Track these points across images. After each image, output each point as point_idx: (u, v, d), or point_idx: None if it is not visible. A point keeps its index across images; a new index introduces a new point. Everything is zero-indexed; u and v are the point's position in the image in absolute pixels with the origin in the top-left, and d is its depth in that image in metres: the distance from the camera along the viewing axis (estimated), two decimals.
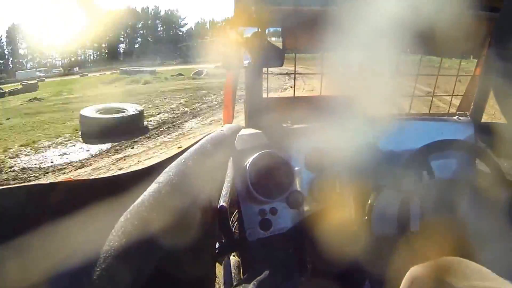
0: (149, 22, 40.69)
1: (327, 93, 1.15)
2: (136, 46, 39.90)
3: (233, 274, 0.99)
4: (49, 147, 5.12)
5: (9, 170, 4.07)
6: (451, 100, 1.25)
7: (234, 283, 0.96)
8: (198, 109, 7.78)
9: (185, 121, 6.68)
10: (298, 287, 0.82)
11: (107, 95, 9.05)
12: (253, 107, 1.01)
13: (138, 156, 4.47)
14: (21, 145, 5.09)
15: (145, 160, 4.25)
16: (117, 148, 4.94)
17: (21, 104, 9.92)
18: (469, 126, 1.09)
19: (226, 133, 0.84)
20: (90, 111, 6.06)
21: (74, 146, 5.18)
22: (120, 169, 3.97)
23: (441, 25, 0.80)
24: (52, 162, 4.40)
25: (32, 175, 3.90)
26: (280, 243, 0.87)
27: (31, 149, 4.94)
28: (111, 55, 37.07)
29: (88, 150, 4.89)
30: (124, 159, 4.37)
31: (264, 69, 1.01)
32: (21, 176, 3.87)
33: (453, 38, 0.84)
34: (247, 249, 0.85)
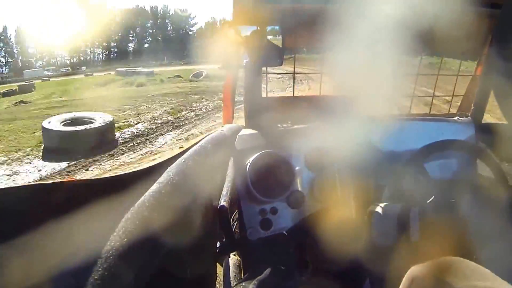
0: (158, 21, 40.53)
1: (327, 93, 1.15)
2: (146, 45, 39.73)
3: (233, 274, 0.99)
4: (2, 164, 4.55)
5: None
6: (451, 100, 1.25)
7: (235, 283, 0.96)
8: (183, 118, 7.16)
9: (161, 134, 6.01)
10: (299, 287, 0.82)
11: (94, 99, 8.63)
12: (253, 107, 1.01)
13: None
14: None
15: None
16: (71, 168, 4.39)
17: (6, 108, 9.29)
18: (469, 126, 1.08)
19: (226, 133, 0.84)
20: (54, 122, 5.50)
21: (30, 163, 4.62)
22: None
23: (441, 23, 0.79)
24: None
25: None
26: (281, 242, 0.87)
27: None
28: (120, 54, 36.87)
29: (40, 170, 4.36)
30: None
31: (264, 69, 1.01)
32: None
33: (454, 36, 0.84)
34: (247, 248, 0.85)
